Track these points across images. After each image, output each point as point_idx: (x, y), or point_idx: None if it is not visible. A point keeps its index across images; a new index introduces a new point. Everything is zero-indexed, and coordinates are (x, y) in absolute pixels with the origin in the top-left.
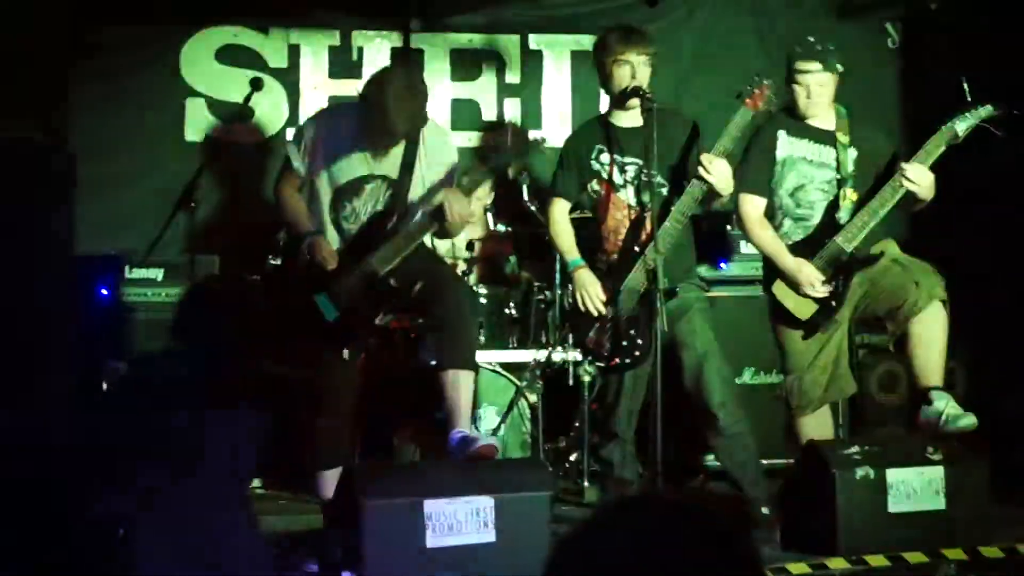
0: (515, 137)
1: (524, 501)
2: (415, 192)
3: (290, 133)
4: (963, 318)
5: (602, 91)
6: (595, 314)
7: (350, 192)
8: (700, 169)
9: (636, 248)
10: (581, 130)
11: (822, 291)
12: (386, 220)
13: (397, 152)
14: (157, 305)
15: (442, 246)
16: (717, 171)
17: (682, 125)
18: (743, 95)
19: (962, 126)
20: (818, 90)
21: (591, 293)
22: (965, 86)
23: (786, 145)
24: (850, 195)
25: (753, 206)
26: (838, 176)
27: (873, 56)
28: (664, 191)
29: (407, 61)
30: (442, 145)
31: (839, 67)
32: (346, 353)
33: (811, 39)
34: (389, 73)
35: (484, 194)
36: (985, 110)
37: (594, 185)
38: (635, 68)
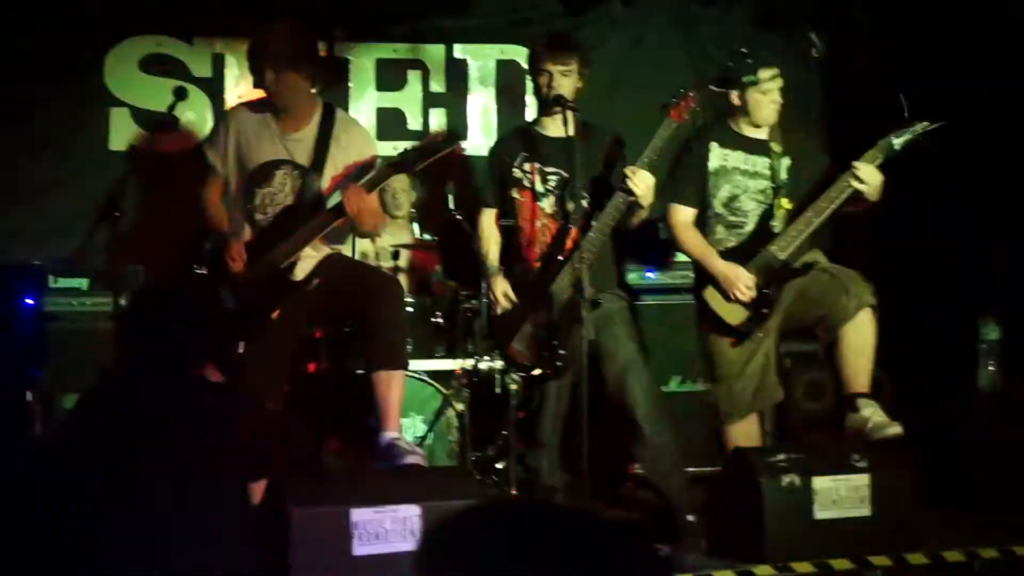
0: (429, 138)
1: (450, 509)
2: (327, 183)
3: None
4: (888, 327)
5: (528, 100)
6: (503, 308)
7: (260, 178)
8: (625, 180)
9: (560, 257)
10: (505, 138)
11: (751, 295)
12: (297, 212)
13: (308, 137)
14: (83, 315)
15: (368, 253)
16: (641, 182)
17: (606, 137)
18: (668, 106)
19: (899, 141)
20: (779, 94)
21: (498, 295)
22: (903, 100)
23: (719, 156)
24: (784, 204)
25: (682, 215)
26: (772, 185)
27: (796, 65)
28: (585, 202)
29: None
30: (360, 139)
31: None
32: (241, 347)
33: (743, 49)
34: (268, 25)
35: (405, 196)
36: (921, 125)
37: (515, 193)
38: (552, 78)
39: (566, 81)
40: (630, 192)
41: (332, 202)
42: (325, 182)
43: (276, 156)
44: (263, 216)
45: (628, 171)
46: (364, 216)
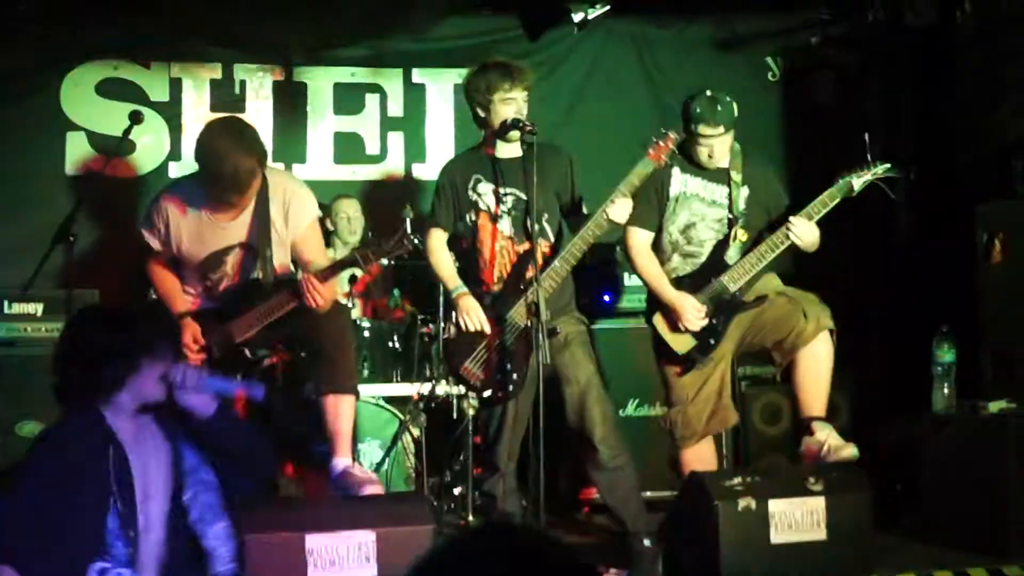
0: (384, 244)
1: (406, 535)
2: (277, 255)
3: (173, 168)
4: (843, 350)
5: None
6: (477, 329)
7: (211, 266)
8: (606, 211)
9: (521, 285)
10: (458, 160)
11: (699, 325)
12: (252, 288)
13: (248, 214)
14: (36, 340)
15: None
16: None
17: (559, 157)
18: (647, 146)
19: (858, 181)
20: (720, 148)
21: (473, 316)
22: (867, 141)
23: (679, 182)
24: (740, 235)
25: (639, 239)
26: (730, 215)
27: (754, 89)
28: (546, 223)
29: (230, 119)
30: (298, 201)
31: (735, 115)
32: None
33: (708, 94)
34: (211, 129)
35: (358, 222)
36: (882, 167)
37: (471, 215)
38: (520, 105)
39: (526, 104)
40: (609, 220)
41: (293, 283)
42: (274, 253)
43: (221, 245)
44: (219, 292)
45: (608, 208)
46: (320, 308)
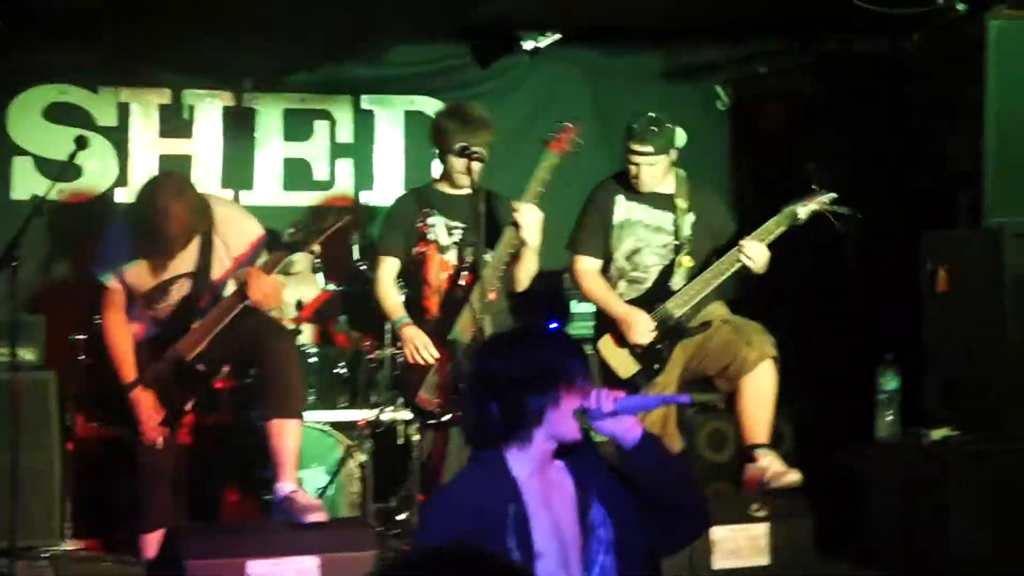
0: (321, 222)
1: (350, 561)
2: (218, 275)
3: (120, 193)
4: (788, 377)
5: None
6: (429, 363)
7: (158, 295)
8: (514, 214)
9: (457, 297)
10: (410, 194)
11: (648, 339)
12: (194, 307)
13: (193, 249)
14: None
15: None
16: (528, 217)
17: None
18: (548, 140)
19: (804, 210)
20: (648, 170)
21: (420, 345)
22: (810, 170)
23: (624, 209)
24: (685, 262)
25: (586, 266)
26: (675, 241)
27: (703, 118)
28: (488, 257)
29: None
30: (241, 226)
31: (677, 144)
32: (160, 443)
33: (651, 115)
34: (156, 188)
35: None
36: (828, 197)
37: (420, 246)
38: (481, 156)
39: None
40: (517, 225)
41: (229, 289)
42: (216, 274)
43: (168, 276)
44: (164, 317)
45: (515, 205)
46: (267, 300)
